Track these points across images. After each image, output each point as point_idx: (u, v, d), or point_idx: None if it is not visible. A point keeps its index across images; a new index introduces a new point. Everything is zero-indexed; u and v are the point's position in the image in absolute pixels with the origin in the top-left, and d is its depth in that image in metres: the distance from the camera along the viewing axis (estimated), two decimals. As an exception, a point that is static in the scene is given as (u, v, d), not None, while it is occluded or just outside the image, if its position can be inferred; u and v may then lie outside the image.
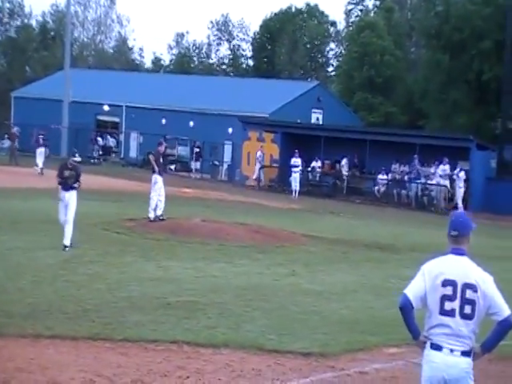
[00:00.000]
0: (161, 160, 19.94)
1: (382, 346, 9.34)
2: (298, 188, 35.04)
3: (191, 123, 45.42)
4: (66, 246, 14.35)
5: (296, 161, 35.61)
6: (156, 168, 19.58)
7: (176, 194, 26.15)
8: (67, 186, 14.67)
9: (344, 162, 37.55)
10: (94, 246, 15.14)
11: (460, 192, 32.76)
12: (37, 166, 34.91)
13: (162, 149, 20.33)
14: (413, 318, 4.98)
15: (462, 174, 32.75)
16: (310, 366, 8.33)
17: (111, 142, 52.33)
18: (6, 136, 47.02)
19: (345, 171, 37.57)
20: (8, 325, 8.71)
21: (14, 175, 32.48)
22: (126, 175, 36.87)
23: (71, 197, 14.66)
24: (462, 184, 32.70)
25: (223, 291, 11.72)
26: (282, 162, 38.16)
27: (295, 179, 35.25)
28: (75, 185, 14.69)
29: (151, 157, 20.12)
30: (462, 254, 5.01)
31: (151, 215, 19.37)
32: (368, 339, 9.53)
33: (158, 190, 19.47)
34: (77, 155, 15.29)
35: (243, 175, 40.74)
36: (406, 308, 4.95)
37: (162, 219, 19.30)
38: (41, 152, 35.57)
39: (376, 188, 35.75)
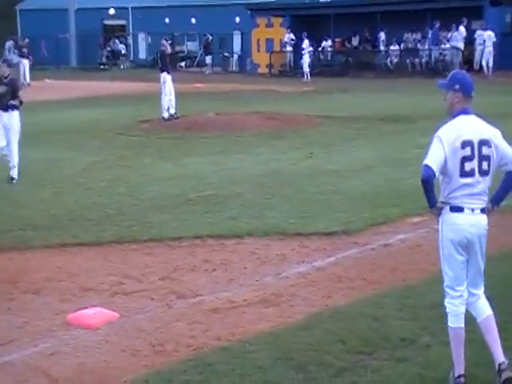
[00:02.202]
0: (167, 58, 19.77)
1: (405, 217, 9.36)
2: (308, 70, 34.54)
3: (193, 20, 44.48)
4: (13, 178, 12.21)
5: (305, 43, 34.97)
6: (162, 67, 19.49)
7: (188, 90, 25.91)
8: (3, 106, 12.02)
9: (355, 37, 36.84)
10: (110, 151, 15.19)
11: (488, 53, 31.89)
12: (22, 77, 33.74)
13: (164, 47, 20.15)
14: (433, 186, 4.92)
15: (491, 35, 31.73)
16: (333, 244, 8.40)
17: (120, 46, 51.55)
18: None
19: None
20: (34, 237, 8.84)
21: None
22: (137, 77, 36.51)
23: (11, 118, 12.06)
24: (490, 44, 31.78)
25: (243, 182, 11.77)
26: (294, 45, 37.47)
27: (305, 61, 34.71)
28: (13, 102, 11.99)
29: (157, 58, 20.04)
30: (470, 113, 4.99)
31: (165, 115, 19.39)
32: (390, 211, 9.56)
33: (167, 89, 19.41)
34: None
35: (254, 64, 40.18)
36: (429, 179, 4.87)
37: (176, 117, 19.30)
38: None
39: (388, 60, 35.11)
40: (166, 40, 20.71)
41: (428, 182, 4.89)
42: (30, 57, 34.46)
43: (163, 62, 19.60)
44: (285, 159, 13.69)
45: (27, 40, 35.53)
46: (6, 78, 12.10)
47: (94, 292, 7.09)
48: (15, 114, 12.12)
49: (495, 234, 6.03)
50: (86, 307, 6.54)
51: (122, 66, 47.15)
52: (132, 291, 7.09)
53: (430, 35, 34.32)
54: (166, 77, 19.50)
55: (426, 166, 4.87)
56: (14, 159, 12.14)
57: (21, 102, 12.13)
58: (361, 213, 9.57)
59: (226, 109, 20.29)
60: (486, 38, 31.97)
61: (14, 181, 12.12)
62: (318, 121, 18.70)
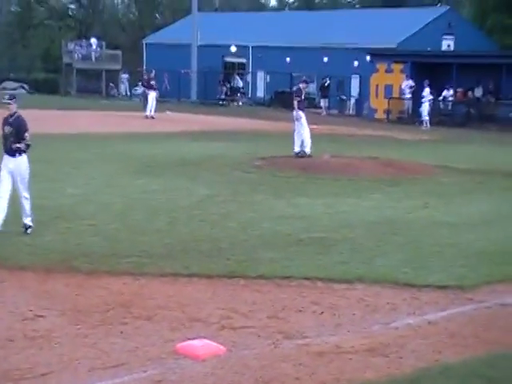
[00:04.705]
0: (303, 97, 20.19)
1: (525, 278, 9.02)
2: (427, 118, 34.09)
3: (325, 59, 44.73)
4: (27, 227, 10.49)
5: (425, 91, 34.60)
6: (295, 105, 19.79)
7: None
8: (8, 149, 10.18)
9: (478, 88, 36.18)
10: (225, 185, 15.42)
11: None
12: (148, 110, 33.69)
13: (304, 86, 20.59)
14: None
15: None
16: (446, 298, 8.18)
17: (239, 82, 52.66)
18: (140, 83, 48.06)
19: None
20: (148, 264, 9.06)
21: (141, 120, 33.08)
22: (254, 115, 37.13)
23: (18, 164, 10.21)
24: None
25: (355, 226, 11.66)
26: (413, 92, 37.15)
27: (425, 109, 34.30)
28: (18, 145, 10.11)
29: (295, 96, 20.33)
30: None
31: (296, 149, 19.58)
32: (508, 270, 9.22)
33: (303, 126, 19.67)
34: (6, 97, 10.41)
35: (372, 109, 40.07)
36: None
37: (309, 156, 19.38)
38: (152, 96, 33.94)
39: (513, 114, 34.19)
40: (306, 82, 21.09)
41: None
42: (157, 90, 35.43)
43: (298, 101, 19.86)
44: (399, 207, 13.47)
45: (154, 72, 36.66)
46: (11, 116, 10.23)
47: (203, 324, 7.15)
48: (22, 159, 10.23)
49: None
50: (195, 338, 6.60)
51: (240, 103, 48.11)
52: (239, 326, 7.11)
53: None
54: (300, 114, 19.76)
55: None
56: (26, 207, 10.41)
57: (28, 146, 10.19)
58: (477, 268, 9.28)
59: (342, 152, 20.26)
60: None
61: (29, 230, 10.46)
62: (436, 171, 18.36)
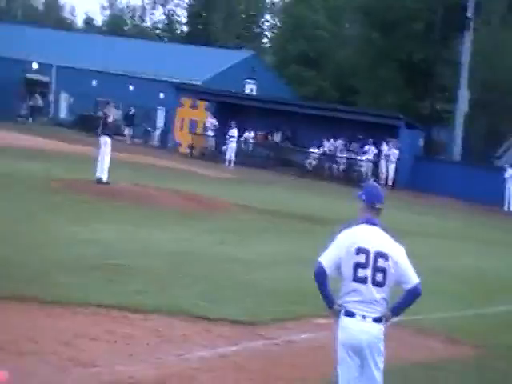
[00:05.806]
0: (109, 121, 19.69)
1: (310, 317, 9.40)
2: (233, 158, 35.02)
3: (131, 87, 44.52)
4: None
5: (232, 131, 35.54)
6: (104, 130, 19.36)
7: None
8: None
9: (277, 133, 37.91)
10: (21, 205, 14.79)
11: (392, 168, 34.05)
12: None
13: (108, 110, 20.09)
14: (327, 285, 5.12)
15: (395, 152, 33.99)
16: (238, 333, 8.38)
17: (39, 101, 50.97)
18: None
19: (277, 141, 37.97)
20: None
21: None
22: (54, 136, 36.01)
23: None
24: (394, 160, 34.18)
25: (152, 256, 11.63)
26: (216, 130, 38.02)
27: (231, 149, 35.21)
28: None
29: (101, 121, 19.82)
30: (375, 224, 5.20)
31: (104, 176, 18.93)
32: (296, 309, 9.63)
33: (107, 152, 19.15)
34: None
35: (176, 142, 40.43)
36: (319, 274, 5.09)
37: (106, 183, 18.93)
38: None
39: (308, 161, 36.03)
40: (108, 103, 20.47)
41: (317, 276, 5.11)
42: None
43: (106, 126, 19.38)
44: (197, 241, 13.64)
45: None
46: None
47: (-14, 347, 6.76)
48: None
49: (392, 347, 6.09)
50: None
51: (40, 122, 46.53)
52: (26, 352, 6.79)
53: (346, 145, 35.67)
54: (107, 140, 19.28)
55: (318, 261, 5.13)
56: None
57: None
58: (267, 306, 9.60)
59: (143, 181, 20.15)
60: (391, 154, 34.12)
61: None
62: (235, 208, 18.82)
